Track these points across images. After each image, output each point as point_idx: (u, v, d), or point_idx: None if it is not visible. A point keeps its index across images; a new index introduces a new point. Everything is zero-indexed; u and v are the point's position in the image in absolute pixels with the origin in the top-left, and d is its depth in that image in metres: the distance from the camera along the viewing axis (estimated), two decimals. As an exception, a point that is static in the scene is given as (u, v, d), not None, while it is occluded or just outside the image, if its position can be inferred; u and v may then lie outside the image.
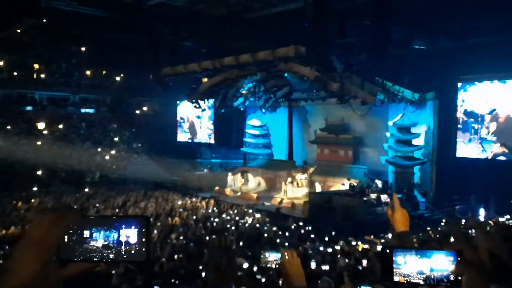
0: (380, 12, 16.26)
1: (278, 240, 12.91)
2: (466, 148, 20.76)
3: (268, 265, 3.19)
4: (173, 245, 11.11)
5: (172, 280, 7.55)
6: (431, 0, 17.72)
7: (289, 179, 24.43)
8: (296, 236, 14.30)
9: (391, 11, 16.02)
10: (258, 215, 17.80)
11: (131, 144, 33.36)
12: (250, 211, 18.95)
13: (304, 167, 25.37)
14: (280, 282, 6.00)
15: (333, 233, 14.68)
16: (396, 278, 1.36)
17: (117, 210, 17.71)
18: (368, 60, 18.87)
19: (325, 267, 8.30)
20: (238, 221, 16.24)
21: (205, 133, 34.28)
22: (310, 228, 15.66)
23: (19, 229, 12.98)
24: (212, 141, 33.49)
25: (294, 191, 23.95)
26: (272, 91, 26.08)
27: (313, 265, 8.14)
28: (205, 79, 24.95)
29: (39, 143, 28.60)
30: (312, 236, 14.16)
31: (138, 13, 23.22)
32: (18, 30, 30.28)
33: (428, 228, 15.40)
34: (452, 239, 3.55)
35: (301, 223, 16.45)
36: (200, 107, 27.43)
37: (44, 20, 27.69)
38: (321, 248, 11.24)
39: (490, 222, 14.52)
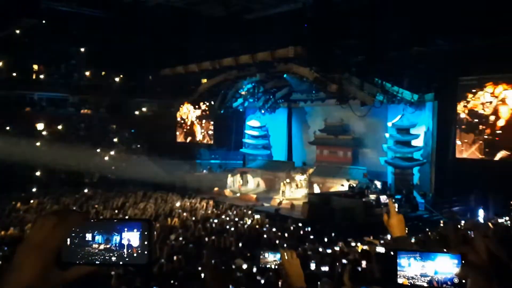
0: (380, 13, 16.30)
1: (277, 241, 12.89)
2: (470, 149, 20.72)
3: (267, 266, 3.18)
4: (172, 246, 11.08)
5: (171, 281, 7.53)
6: (431, 1, 17.75)
7: (288, 180, 24.43)
8: (296, 237, 14.29)
9: (391, 12, 16.06)
10: (257, 216, 17.76)
11: (130, 145, 33.31)
12: (250, 212, 18.92)
13: (304, 168, 25.35)
14: (280, 283, 5.98)
15: (333, 234, 14.66)
16: (400, 280, 1.36)
17: (116, 211, 17.69)
18: (367, 61, 18.89)
19: (325, 268, 8.28)
20: (237, 222, 16.20)
21: (204, 134, 34.26)
22: (309, 229, 15.62)
23: (17, 230, 12.93)
24: (212, 142, 33.48)
25: (293, 192, 23.95)
26: (272, 92, 26.12)
27: (312, 266, 8.12)
28: (205, 80, 24.97)
29: (38, 144, 28.54)
30: (312, 237, 14.14)
31: (138, 13, 23.25)
32: (17, 31, 30.24)
33: (427, 229, 15.39)
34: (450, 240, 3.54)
35: (300, 224, 16.43)
36: (199, 107, 27.45)
37: (44, 21, 27.68)
38: (321, 249, 11.22)
39: (489, 223, 14.51)
